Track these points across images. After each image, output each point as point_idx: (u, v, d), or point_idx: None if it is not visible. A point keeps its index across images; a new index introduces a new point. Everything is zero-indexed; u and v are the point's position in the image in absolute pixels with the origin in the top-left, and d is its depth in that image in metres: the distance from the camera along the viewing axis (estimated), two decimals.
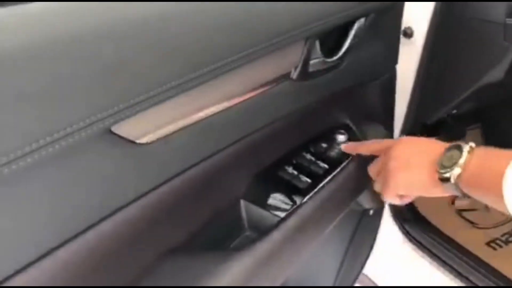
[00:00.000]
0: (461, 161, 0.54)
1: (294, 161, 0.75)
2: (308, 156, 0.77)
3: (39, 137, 0.36)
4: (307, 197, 0.69)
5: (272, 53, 0.59)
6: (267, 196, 0.71)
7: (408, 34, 1.00)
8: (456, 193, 0.56)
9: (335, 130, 0.82)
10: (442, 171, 0.56)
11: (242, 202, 0.70)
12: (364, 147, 0.75)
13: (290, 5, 0.59)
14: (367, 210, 0.96)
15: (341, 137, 0.81)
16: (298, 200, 0.70)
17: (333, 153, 0.78)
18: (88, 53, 0.39)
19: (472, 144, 0.55)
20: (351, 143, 0.79)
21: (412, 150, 0.63)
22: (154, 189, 0.52)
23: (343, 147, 0.78)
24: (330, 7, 0.63)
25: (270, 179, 0.72)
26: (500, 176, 0.50)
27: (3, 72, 0.34)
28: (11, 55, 0.35)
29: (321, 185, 0.71)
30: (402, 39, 0.97)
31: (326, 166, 0.76)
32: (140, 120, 0.45)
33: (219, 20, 0.51)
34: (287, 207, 0.70)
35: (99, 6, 0.41)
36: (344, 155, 0.78)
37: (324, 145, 0.79)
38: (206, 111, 0.54)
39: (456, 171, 0.54)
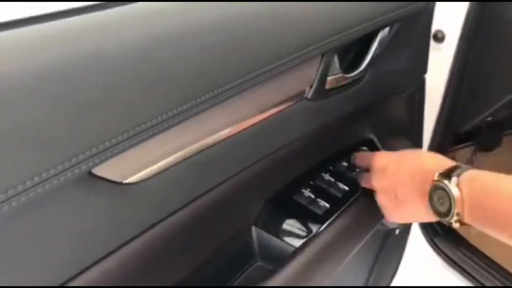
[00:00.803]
0: (453, 209, 0.48)
1: (312, 183, 0.70)
2: (327, 176, 0.71)
3: (7, 187, 0.32)
4: (325, 225, 0.63)
5: (284, 71, 0.53)
6: (281, 223, 0.65)
7: (439, 38, 0.93)
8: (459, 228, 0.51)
9: (357, 147, 0.76)
10: (440, 218, 0.51)
11: (253, 229, 0.64)
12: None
13: (303, 18, 0.53)
14: (393, 230, 0.89)
15: None
16: (314, 227, 0.64)
17: (354, 173, 0.72)
18: (63, 87, 0.34)
19: (455, 178, 0.49)
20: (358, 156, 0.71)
21: (396, 180, 0.56)
22: (152, 226, 0.47)
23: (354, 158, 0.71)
24: (349, 19, 0.56)
25: (284, 204, 0.66)
26: (505, 215, 0.44)
27: None
28: None
29: (340, 211, 0.65)
30: (432, 44, 0.90)
31: (346, 188, 0.69)
32: (127, 157, 0.40)
33: (221, 39, 0.45)
34: (303, 234, 0.64)
35: (76, 34, 0.36)
36: None
37: (345, 164, 0.73)
38: (209, 139, 0.49)
39: (453, 218, 0.49)
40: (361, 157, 0.69)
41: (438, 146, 1.01)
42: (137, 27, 0.40)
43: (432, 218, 0.53)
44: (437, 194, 0.50)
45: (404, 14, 0.65)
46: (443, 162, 0.53)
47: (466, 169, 0.50)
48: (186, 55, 0.42)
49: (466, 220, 0.49)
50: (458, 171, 0.50)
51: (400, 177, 0.56)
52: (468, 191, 0.48)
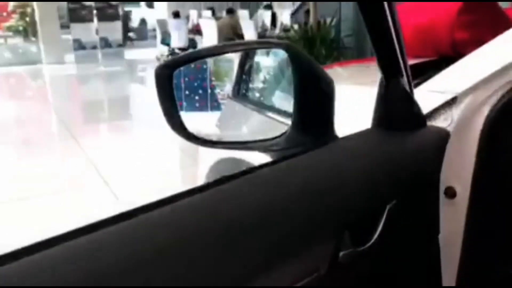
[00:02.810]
0: None
1: None
2: None
3: None
4: None
5: (298, 249, 0.58)
6: None
7: (450, 194, 0.97)
8: None
9: None
10: None
11: None
12: None
13: (315, 200, 0.59)
14: None
15: None
16: None
17: None
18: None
19: None
20: None
21: None
22: None
23: None
24: (358, 198, 0.62)
25: None
26: None
27: None
28: None
29: None
30: (445, 200, 0.93)
31: None
32: None
33: (241, 232, 0.51)
34: None
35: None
36: None
37: None
38: None
39: None
40: None
41: None
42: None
43: None
44: None
45: (411, 188, 0.70)
46: None
47: None
48: (213, 250, 0.48)
49: None
50: None
51: None
52: None
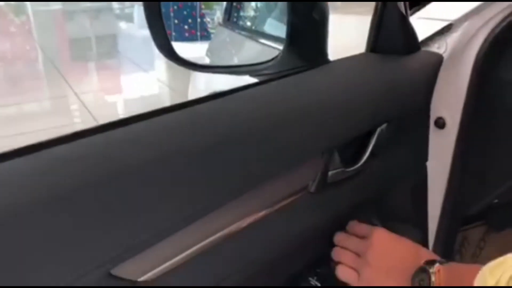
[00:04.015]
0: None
1: (319, 271, 0.72)
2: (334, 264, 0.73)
3: None
4: None
5: (289, 167, 0.58)
6: None
7: (440, 124, 0.97)
8: None
9: None
10: None
11: None
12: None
13: (305, 121, 0.59)
14: None
15: None
16: None
17: None
18: (83, 196, 0.39)
19: (438, 266, 0.58)
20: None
21: (392, 257, 0.63)
22: None
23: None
24: (347, 121, 0.62)
25: None
26: None
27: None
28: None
29: None
30: (434, 130, 0.94)
31: None
32: (142, 257, 0.44)
33: (238, 147, 0.51)
34: None
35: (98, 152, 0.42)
36: None
37: None
38: (216, 236, 0.52)
39: None
40: (360, 226, 0.71)
41: (447, 228, 1.03)
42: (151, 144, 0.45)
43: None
44: (417, 279, 0.59)
45: (402, 112, 0.70)
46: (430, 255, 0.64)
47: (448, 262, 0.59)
48: (203, 163, 0.47)
49: None
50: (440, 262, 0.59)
51: (396, 257, 0.63)
52: (445, 274, 0.57)
